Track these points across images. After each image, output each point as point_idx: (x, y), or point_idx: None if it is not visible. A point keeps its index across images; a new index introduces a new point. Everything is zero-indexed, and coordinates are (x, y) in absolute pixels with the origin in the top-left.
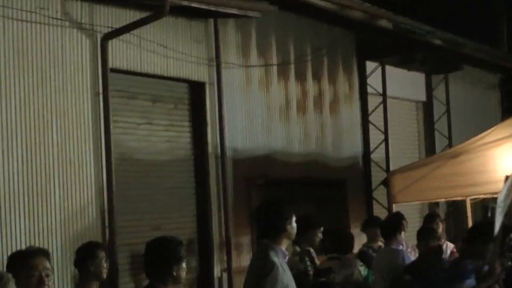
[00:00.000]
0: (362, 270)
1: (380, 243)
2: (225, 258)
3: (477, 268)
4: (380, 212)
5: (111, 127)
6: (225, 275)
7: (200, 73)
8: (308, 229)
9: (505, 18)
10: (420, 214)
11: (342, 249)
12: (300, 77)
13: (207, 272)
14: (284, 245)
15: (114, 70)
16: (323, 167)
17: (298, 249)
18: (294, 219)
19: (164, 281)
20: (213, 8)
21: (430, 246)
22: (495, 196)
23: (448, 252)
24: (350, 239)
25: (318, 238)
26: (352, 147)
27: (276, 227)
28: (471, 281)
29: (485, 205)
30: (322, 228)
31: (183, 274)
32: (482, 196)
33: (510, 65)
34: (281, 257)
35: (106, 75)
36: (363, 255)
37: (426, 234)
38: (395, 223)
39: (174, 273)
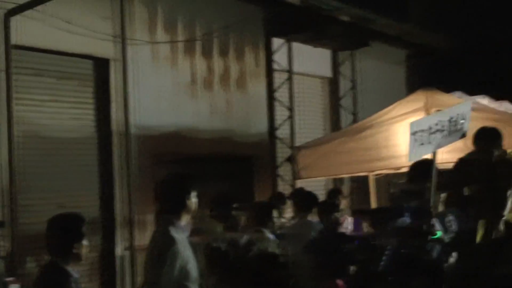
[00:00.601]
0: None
1: (283, 219)
2: (128, 236)
3: (413, 207)
4: (284, 188)
5: (13, 104)
6: (127, 253)
7: (105, 49)
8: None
9: None
10: (325, 190)
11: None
12: (207, 54)
13: (110, 251)
14: (185, 220)
15: (18, 47)
16: (231, 143)
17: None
18: (194, 194)
19: (65, 258)
20: None
21: (332, 221)
22: (398, 171)
23: (349, 227)
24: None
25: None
26: (258, 123)
27: (176, 202)
28: (404, 219)
29: (389, 181)
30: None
31: (85, 252)
32: (385, 171)
33: (417, 40)
34: (181, 232)
35: (9, 51)
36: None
37: (327, 208)
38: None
39: (75, 251)
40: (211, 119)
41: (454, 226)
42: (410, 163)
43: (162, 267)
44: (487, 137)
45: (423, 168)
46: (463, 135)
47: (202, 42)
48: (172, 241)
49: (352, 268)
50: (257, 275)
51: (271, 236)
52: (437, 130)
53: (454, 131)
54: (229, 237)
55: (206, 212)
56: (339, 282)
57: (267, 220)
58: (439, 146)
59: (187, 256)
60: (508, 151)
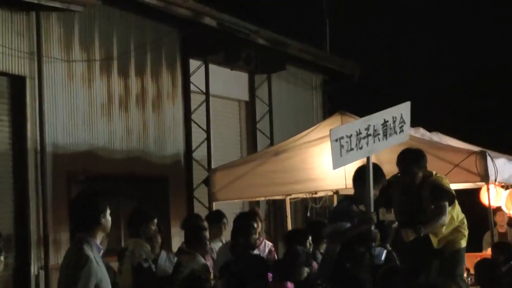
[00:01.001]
0: None
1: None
2: (43, 255)
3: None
4: (200, 210)
5: None
6: (42, 272)
7: (21, 66)
8: (142, 222)
9: (328, 19)
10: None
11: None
12: (123, 73)
13: (24, 269)
14: (99, 238)
15: None
16: (146, 164)
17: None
18: (108, 212)
19: None
20: (35, 1)
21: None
22: (314, 196)
23: (267, 250)
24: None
25: (153, 230)
26: (174, 144)
27: (90, 220)
28: (342, 224)
29: (305, 205)
30: (155, 220)
31: (1, 267)
32: (301, 196)
33: (332, 66)
34: (95, 250)
35: None
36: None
37: (243, 230)
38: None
39: None
40: (126, 139)
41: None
42: (325, 187)
43: (76, 285)
44: (410, 159)
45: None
46: (404, 138)
47: (119, 62)
48: (86, 259)
49: None
50: None
51: (201, 259)
52: (369, 135)
53: (392, 134)
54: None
55: (126, 231)
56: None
57: (199, 242)
58: (375, 150)
59: (101, 275)
60: (434, 175)
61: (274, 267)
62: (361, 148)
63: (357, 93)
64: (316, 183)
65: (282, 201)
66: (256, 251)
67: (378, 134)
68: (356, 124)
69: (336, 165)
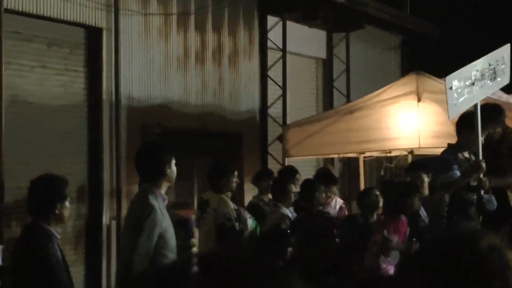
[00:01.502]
0: (251, 222)
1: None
2: (115, 206)
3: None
4: (274, 167)
5: (3, 68)
6: (114, 222)
7: (98, 18)
8: (224, 175)
9: None
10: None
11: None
12: (200, 28)
13: (96, 219)
14: (164, 188)
15: (8, 11)
16: (220, 119)
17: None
18: (173, 162)
19: (47, 219)
20: None
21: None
22: (388, 155)
23: (337, 207)
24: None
25: (234, 183)
26: (249, 101)
27: (155, 171)
28: (454, 173)
29: (380, 164)
30: (236, 173)
31: (67, 213)
32: (375, 155)
33: (411, 27)
34: (160, 201)
35: (0, 15)
36: (253, 207)
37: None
38: (287, 176)
39: (57, 211)
40: (201, 94)
41: None
42: (400, 146)
43: (140, 234)
44: (488, 115)
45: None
46: (507, 81)
47: (196, 16)
48: (151, 209)
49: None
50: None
51: (285, 210)
52: (476, 80)
53: (497, 77)
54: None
55: (203, 185)
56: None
57: (284, 195)
58: (482, 95)
59: (165, 225)
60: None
61: None
62: (471, 94)
63: (435, 54)
64: (390, 142)
65: (356, 160)
66: (327, 209)
67: (484, 79)
68: (465, 70)
69: (452, 113)
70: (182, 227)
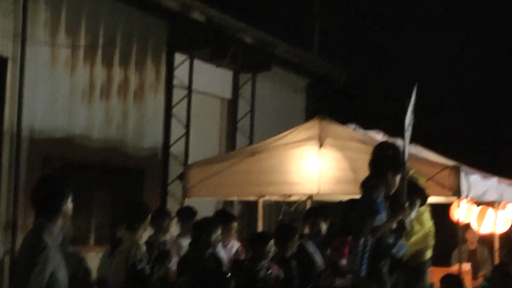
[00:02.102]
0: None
1: (169, 236)
2: (10, 240)
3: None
4: (174, 205)
5: None
6: (7, 257)
7: (4, 47)
8: (144, 215)
9: (318, 23)
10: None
11: None
12: (107, 62)
13: None
14: (60, 224)
15: None
16: (123, 154)
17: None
18: (70, 198)
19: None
20: None
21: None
22: (288, 199)
23: (234, 250)
24: None
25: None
26: (153, 137)
27: (51, 206)
28: (381, 217)
29: (279, 208)
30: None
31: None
32: (274, 198)
33: (318, 70)
34: (54, 237)
35: None
36: (148, 247)
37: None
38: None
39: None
40: (105, 128)
41: None
42: (300, 191)
43: (32, 271)
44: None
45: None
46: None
47: (103, 50)
48: (44, 245)
49: None
50: None
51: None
52: (409, 124)
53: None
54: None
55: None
56: None
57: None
58: (408, 140)
59: (58, 263)
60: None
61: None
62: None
63: (341, 98)
64: (291, 186)
65: (256, 203)
66: (222, 251)
67: (410, 124)
68: (410, 111)
69: (407, 154)
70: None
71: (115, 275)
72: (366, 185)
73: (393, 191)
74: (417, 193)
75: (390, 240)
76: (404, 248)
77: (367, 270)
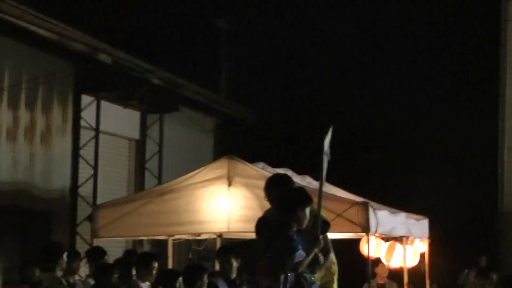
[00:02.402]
0: None
1: (78, 277)
2: None
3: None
4: (83, 247)
5: None
6: None
7: None
8: (59, 255)
9: (225, 64)
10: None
11: None
12: (13, 105)
13: None
14: None
15: None
16: (30, 197)
17: None
18: None
19: None
20: None
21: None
22: (197, 237)
23: None
24: None
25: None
26: (60, 179)
27: None
28: (300, 253)
29: (189, 247)
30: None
31: None
32: (184, 237)
33: (226, 110)
34: None
35: None
36: None
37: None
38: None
39: None
40: (12, 171)
41: None
42: (209, 230)
43: None
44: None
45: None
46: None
47: (9, 92)
48: None
49: None
50: None
51: None
52: (326, 154)
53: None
54: None
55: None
56: None
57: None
58: (324, 170)
59: None
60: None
61: None
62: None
63: (249, 137)
64: (200, 225)
65: (165, 242)
66: None
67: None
68: (327, 140)
69: (325, 179)
70: None
71: None
72: (277, 224)
73: (304, 224)
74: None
75: (307, 275)
76: (316, 285)
77: None
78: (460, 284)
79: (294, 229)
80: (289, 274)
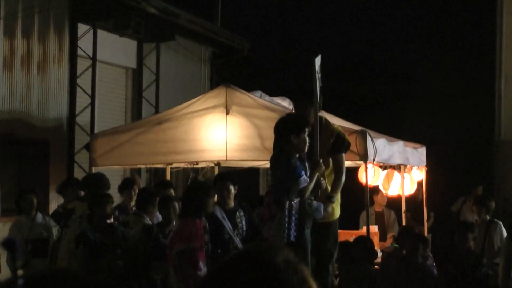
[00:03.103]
0: (55, 231)
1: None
2: None
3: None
4: (81, 175)
5: None
6: None
7: None
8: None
9: None
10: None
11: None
12: (9, 34)
13: None
14: None
15: None
16: (28, 126)
17: None
18: None
19: None
20: None
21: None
22: (195, 166)
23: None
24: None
25: None
26: (58, 108)
27: None
28: (304, 178)
29: (187, 175)
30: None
31: None
32: (182, 165)
33: (222, 39)
34: None
35: None
36: (56, 216)
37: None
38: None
39: None
40: (9, 100)
41: None
42: (207, 158)
43: None
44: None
45: None
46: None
47: (5, 22)
48: None
49: None
50: None
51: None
52: (318, 78)
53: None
54: None
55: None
56: None
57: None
58: (316, 95)
59: None
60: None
61: None
62: (317, 88)
63: (245, 67)
64: (198, 154)
65: (163, 170)
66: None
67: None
68: (317, 60)
69: (317, 96)
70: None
71: (69, 241)
72: (278, 153)
73: (305, 150)
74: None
75: (310, 201)
76: (321, 208)
77: (295, 234)
78: (455, 210)
79: (296, 156)
80: (294, 202)
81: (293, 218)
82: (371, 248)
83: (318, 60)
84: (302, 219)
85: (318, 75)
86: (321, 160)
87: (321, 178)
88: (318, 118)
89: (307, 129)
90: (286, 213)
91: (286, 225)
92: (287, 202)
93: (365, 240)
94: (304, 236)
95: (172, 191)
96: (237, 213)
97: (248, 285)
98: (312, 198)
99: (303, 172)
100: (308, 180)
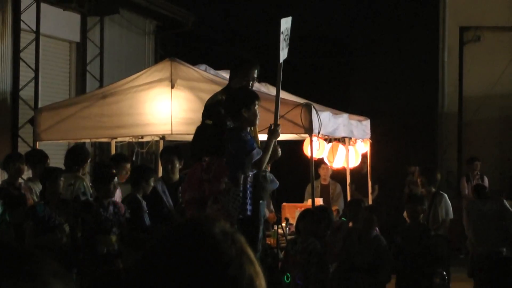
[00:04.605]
0: None
1: (21, 180)
2: None
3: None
4: (25, 150)
5: None
6: None
7: None
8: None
9: None
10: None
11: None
12: None
13: None
14: None
15: None
16: None
17: None
18: None
19: None
20: None
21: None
22: (140, 140)
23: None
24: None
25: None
26: (1, 83)
27: None
28: (257, 151)
29: (132, 149)
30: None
31: None
32: (127, 139)
33: (167, 13)
34: None
35: None
36: (1, 192)
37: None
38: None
39: None
40: None
41: None
42: (152, 132)
43: None
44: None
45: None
46: (285, 56)
47: None
48: None
49: None
50: None
51: None
52: (284, 40)
53: (285, 47)
54: None
55: None
56: None
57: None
58: (282, 57)
59: None
60: None
61: None
62: (283, 50)
63: (190, 41)
64: (143, 128)
65: (108, 144)
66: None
67: (284, 42)
68: (285, 22)
69: (281, 56)
70: None
71: None
72: (230, 129)
73: (257, 123)
74: None
75: (266, 174)
76: (275, 180)
77: (250, 208)
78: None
79: (247, 129)
80: (249, 175)
81: (248, 192)
82: (317, 221)
83: (285, 21)
84: (258, 192)
85: (284, 36)
86: (279, 127)
87: (278, 147)
88: (280, 80)
89: (257, 102)
90: (241, 187)
91: (241, 200)
92: (242, 176)
93: (311, 213)
94: (258, 209)
95: (128, 165)
96: (180, 187)
97: (187, 255)
98: (267, 170)
99: (255, 145)
100: (261, 152)
